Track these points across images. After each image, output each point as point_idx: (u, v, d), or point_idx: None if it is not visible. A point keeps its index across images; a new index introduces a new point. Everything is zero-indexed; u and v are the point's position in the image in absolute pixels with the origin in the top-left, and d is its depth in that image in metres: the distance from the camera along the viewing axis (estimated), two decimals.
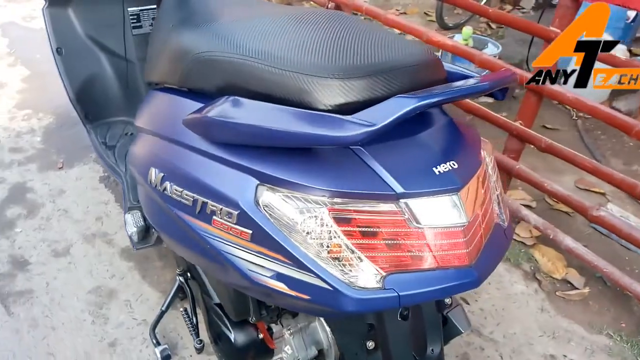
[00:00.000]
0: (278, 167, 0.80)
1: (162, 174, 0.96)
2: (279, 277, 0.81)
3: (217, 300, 1.31)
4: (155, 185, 0.97)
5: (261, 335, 1.29)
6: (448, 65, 1.01)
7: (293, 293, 0.82)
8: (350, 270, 0.78)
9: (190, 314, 1.55)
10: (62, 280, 1.85)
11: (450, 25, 4.33)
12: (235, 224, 0.82)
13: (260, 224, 0.79)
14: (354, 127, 0.70)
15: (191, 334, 1.52)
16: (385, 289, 0.78)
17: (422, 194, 0.78)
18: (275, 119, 0.77)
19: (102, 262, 1.93)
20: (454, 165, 0.81)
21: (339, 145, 0.77)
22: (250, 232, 0.81)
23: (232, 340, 1.27)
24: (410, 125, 0.86)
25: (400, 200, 0.77)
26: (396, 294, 0.79)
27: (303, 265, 0.78)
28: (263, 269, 0.82)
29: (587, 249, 1.85)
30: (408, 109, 0.70)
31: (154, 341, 1.53)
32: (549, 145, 1.90)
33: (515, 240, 2.12)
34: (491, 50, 3.24)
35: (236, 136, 0.82)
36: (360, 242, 0.77)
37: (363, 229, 0.77)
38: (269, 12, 1.12)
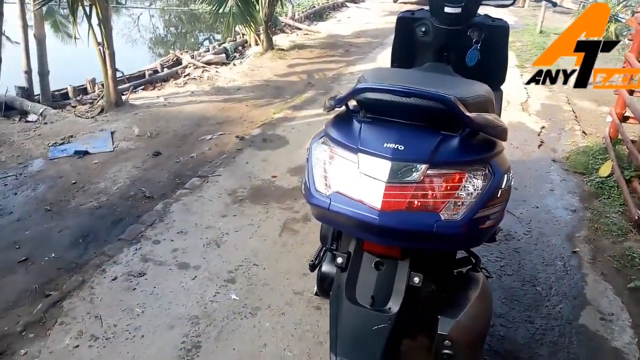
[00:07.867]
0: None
1: None
2: (304, 175, 1.46)
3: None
4: None
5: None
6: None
7: (302, 185, 1.44)
8: (320, 181, 1.36)
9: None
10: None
11: None
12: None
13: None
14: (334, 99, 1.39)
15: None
16: (327, 196, 1.32)
17: (369, 153, 1.26)
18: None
19: None
20: (400, 147, 1.23)
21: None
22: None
23: (319, 267, 1.64)
24: (409, 115, 1.32)
25: (358, 153, 1.28)
26: (329, 201, 1.30)
27: (308, 170, 1.41)
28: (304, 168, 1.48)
29: None
30: (352, 90, 1.28)
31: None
32: None
33: None
34: None
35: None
36: (333, 168, 1.35)
37: (337, 163, 1.35)
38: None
